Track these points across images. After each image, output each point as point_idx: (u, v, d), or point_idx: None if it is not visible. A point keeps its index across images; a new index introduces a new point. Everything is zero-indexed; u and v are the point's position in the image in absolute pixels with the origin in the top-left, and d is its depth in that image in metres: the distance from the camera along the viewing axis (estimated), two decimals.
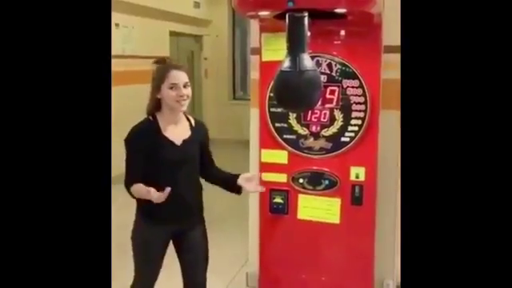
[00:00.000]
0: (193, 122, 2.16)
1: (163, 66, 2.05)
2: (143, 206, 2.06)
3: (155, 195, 1.87)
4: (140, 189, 1.96)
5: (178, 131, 2.08)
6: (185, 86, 2.01)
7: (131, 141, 2.03)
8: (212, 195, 2.23)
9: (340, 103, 2.32)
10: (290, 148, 2.43)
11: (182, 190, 2.03)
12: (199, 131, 2.17)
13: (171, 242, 2.20)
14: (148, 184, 1.94)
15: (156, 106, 2.06)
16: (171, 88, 1.99)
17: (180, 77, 2.01)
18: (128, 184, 2.01)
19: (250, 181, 2.16)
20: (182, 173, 2.06)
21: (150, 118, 2.06)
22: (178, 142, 2.06)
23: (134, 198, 2.04)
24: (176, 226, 2.14)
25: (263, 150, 2.51)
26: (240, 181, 2.15)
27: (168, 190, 1.86)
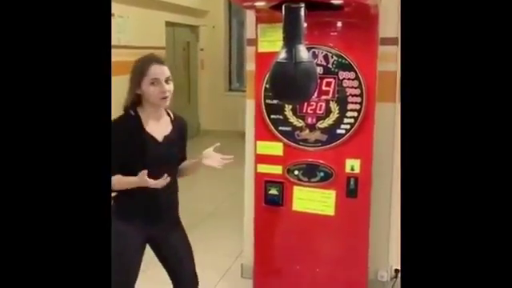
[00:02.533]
0: (172, 116, 2.06)
1: (143, 60, 1.93)
2: (118, 206, 1.94)
3: (152, 181, 1.78)
4: (122, 179, 1.87)
5: (159, 126, 1.98)
6: (167, 81, 1.91)
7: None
8: (207, 187, 2.22)
9: (336, 95, 2.32)
10: (285, 140, 2.43)
11: (161, 190, 1.88)
12: (179, 125, 2.07)
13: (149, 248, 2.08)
14: None
15: (136, 101, 1.94)
16: (152, 83, 1.88)
17: (162, 71, 1.90)
18: None
19: (209, 157, 2.04)
20: (162, 171, 1.87)
21: (132, 112, 1.94)
22: (160, 138, 1.97)
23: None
24: (153, 230, 2.02)
25: (259, 142, 2.51)
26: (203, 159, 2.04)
27: (167, 178, 1.80)
